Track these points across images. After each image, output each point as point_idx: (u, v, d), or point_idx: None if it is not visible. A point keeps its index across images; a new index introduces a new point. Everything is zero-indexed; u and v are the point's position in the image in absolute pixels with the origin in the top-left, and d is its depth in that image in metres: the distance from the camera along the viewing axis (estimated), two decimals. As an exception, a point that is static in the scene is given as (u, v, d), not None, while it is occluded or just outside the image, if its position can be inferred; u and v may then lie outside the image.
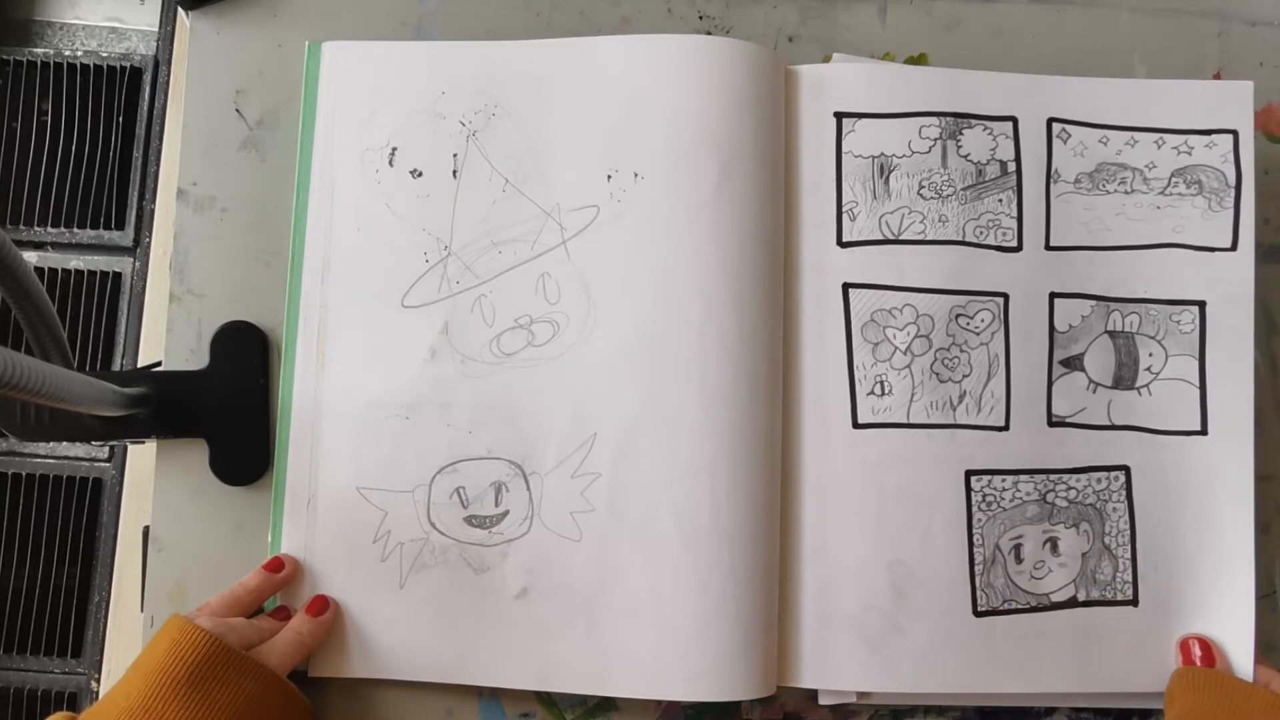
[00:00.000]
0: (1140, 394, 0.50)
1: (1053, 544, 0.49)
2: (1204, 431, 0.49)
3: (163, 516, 0.50)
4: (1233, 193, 0.50)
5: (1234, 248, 0.50)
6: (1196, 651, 0.47)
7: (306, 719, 0.45)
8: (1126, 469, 0.49)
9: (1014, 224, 0.50)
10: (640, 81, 0.49)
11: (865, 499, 0.48)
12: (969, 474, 0.48)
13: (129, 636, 0.57)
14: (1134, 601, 0.49)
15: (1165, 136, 0.50)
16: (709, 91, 0.48)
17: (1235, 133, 0.50)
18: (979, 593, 0.48)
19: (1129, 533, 0.49)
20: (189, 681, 0.40)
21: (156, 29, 0.68)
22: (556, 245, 0.49)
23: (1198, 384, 0.49)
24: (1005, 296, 0.49)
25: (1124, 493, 0.49)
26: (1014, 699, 0.49)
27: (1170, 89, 0.51)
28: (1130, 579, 0.49)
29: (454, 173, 0.50)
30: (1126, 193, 0.50)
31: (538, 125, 0.50)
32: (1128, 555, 0.49)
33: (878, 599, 0.47)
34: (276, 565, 0.47)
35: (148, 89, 0.66)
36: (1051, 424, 0.49)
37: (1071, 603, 0.48)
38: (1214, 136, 0.50)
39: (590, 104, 0.49)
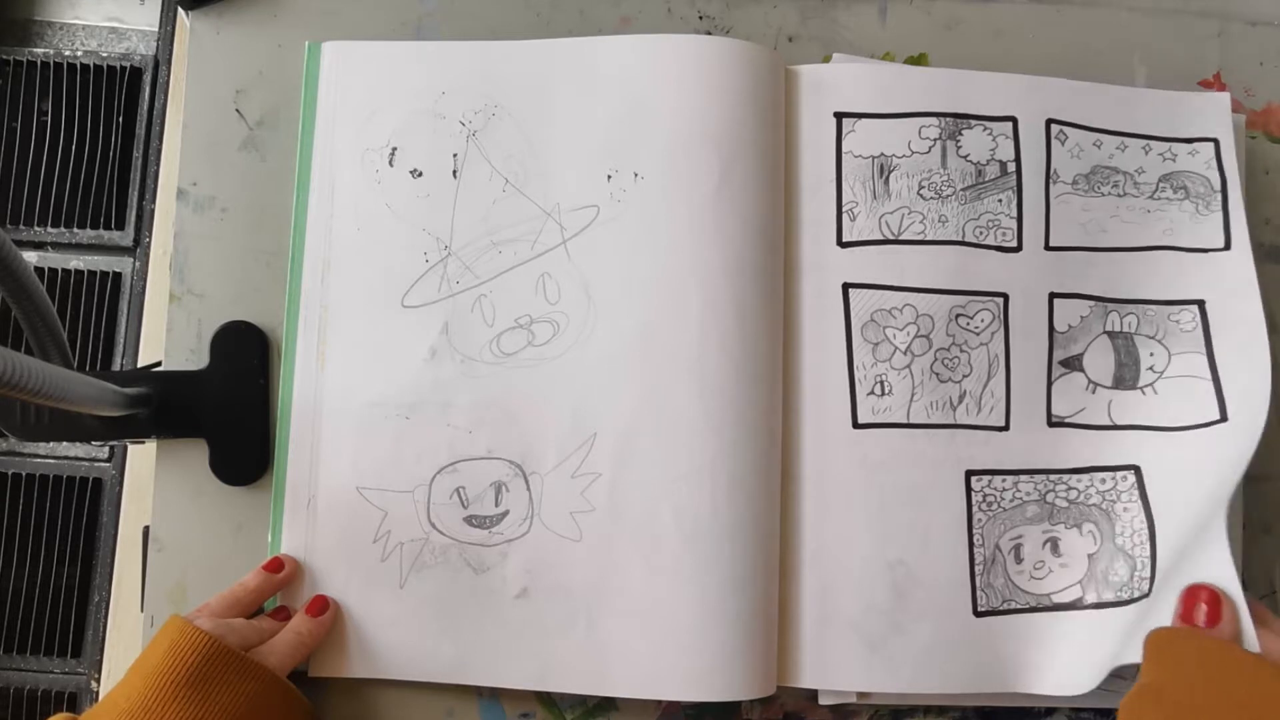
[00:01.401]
0: (1144, 393, 0.49)
1: (1053, 544, 0.49)
2: (1224, 419, 0.47)
3: (163, 516, 0.50)
4: (1219, 196, 0.50)
5: (1228, 247, 0.50)
6: (1202, 610, 0.41)
7: (306, 719, 0.45)
8: (1137, 469, 0.49)
9: (1014, 224, 0.50)
10: (640, 81, 0.49)
11: (865, 499, 0.48)
12: (969, 474, 0.48)
13: (129, 636, 0.57)
14: (1148, 597, 0.48)
15: (1151, 143, 0.51)
16: (709, 91, 0.48)
17: (1216, 141, 0.50)
18: (979, 593, 0.48)
19: (1146, 532, 0.48)
20: (189, 682, 0.40)
21: (156, 29, 0.67)
22: (556, 245, 0.49)
23: (1209, 377, 0.49)
24: (1005, 296, 0.49)
25: (1135, 492, 0.49)
26: (1014, 699, 0.49)
27: (1151, 98, 0.51)
28: (1149, 576, 0.47)
29: (454, 173, 0.50)
30: (1119, 195, 0.50)
31: (538, 125, 0.50)
32: (1146, 554, 0.47)
33: (878, 599, 0.47)
34: (276, 565, 0.47)
35: (148, 89, 0.66)
36: (1051, 424, 0.49)
37: (1078, 604, 0.48)
38: (1196, 144, 0.51)
39: (590, 104, 0.49)
